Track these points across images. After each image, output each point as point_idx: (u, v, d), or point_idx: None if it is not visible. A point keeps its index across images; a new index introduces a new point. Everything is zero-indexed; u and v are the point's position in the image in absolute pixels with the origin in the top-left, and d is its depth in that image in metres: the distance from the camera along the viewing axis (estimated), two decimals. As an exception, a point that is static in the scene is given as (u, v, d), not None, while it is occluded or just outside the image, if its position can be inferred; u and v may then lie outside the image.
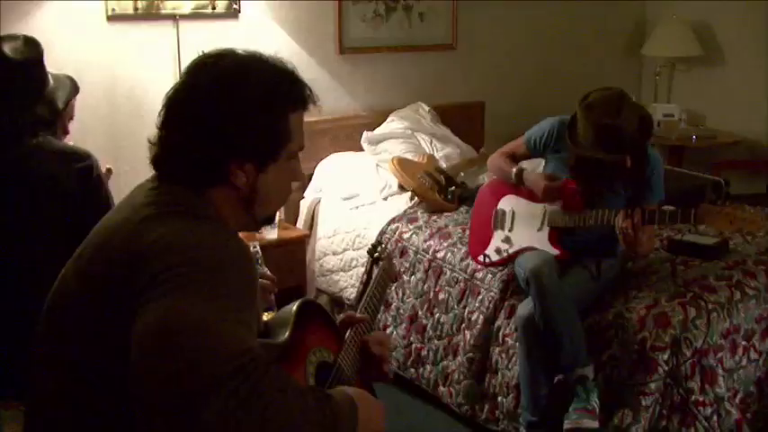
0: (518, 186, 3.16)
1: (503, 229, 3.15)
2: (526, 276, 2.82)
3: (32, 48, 2.23)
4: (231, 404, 1.04)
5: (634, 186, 2.92)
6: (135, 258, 1.21)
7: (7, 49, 2.16)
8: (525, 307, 2.85)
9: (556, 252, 2.93)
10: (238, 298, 1.19)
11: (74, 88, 2.38)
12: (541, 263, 2.81)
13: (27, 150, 2.14)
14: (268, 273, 1.99)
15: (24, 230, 2.13)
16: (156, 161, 1.38)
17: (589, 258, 2.96)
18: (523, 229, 3.08)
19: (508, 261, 3.10)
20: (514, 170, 3.13)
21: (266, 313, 2.05)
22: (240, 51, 1.38)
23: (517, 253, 3.04)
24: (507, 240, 3.12)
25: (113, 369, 1.17)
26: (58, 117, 2.29)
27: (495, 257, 3.14)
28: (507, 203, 3.18)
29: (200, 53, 1.39)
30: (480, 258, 3.19)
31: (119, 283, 1.21)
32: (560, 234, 2.99)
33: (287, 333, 1.45)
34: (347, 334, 1.69)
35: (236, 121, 1.31)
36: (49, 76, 2.29)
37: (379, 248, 2.09)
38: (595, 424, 2.67)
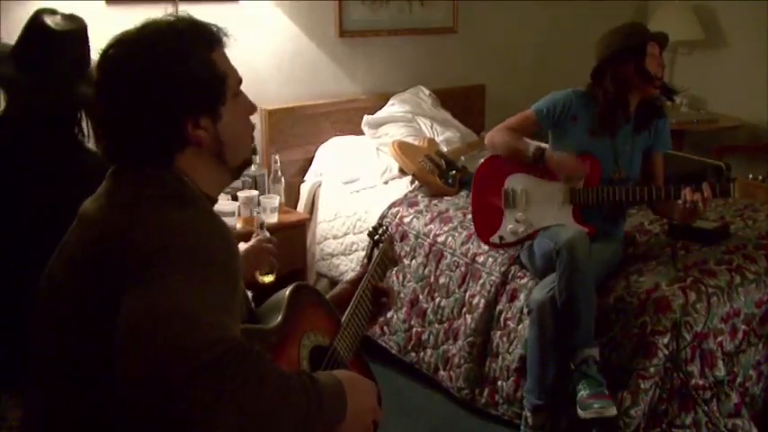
0: (526, 164, 3.09)
1: (516, 208, 3.09)
2: (558, 248, 2.77)
3: (75, 21, 2.07)
4: (210, 394, 1.04)
5: (650, 113, 3.08)
6: (113, 247, 1.21)
7: (49, 21, 2.01)
8: (541, 290, 2.84)
9: (585, 229, 2.92)
10: (218, 283, 1.19)
11: None
12: (578, 235, 2.80)
13: (69, 145, 1.97)
14: (269, 235, 2.03)
15: (42, 236, 1.93)
16: (111, 152, 1.36)
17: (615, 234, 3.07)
18: (541, 209, 3.05)
19: (525, 241, 3.07)
20: (532, 149, 3.05)
21: (268, 276, 2.06)
22: (131, 28, 1.35)
23: (536, 232, 3.02)
24: (524, 221, 3.06)
25: (105, 356, 1.15)
26: None
27: (510, 238, 3.09)
28: (516, 182, 3.11)
29: (99, 51, 1.37)
30: (495, 240, 3.13)
31: (100, 272, 1.21)
32: (583, 212, 3.00)
33: (279, 318, 1.44)
34: (344, 317, 1.69)
35: (166, 85, 1.29)
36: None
37: (380, 231, 2.06)
38: (615, 411, 2.64)
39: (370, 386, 1.40)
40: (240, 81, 1.42)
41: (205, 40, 1.36)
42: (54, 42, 2.00)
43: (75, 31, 2.04)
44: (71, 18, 2.06)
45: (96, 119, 1.36)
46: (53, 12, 2.06)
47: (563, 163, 3.00)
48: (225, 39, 1.39)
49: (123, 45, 1.34)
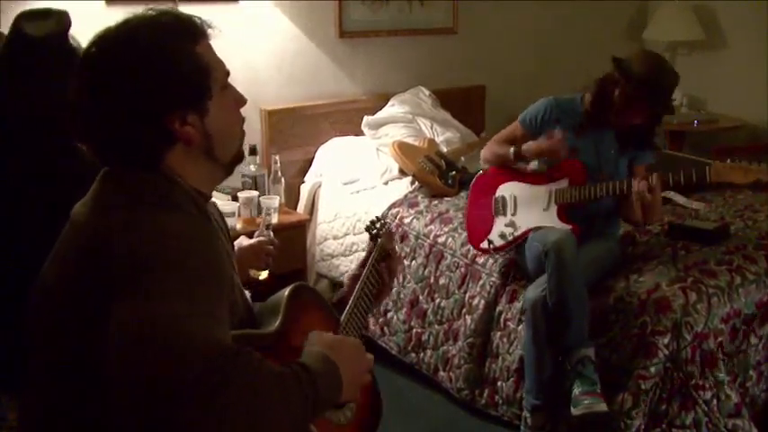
0: (516, 171, 3.19)
1: (504, 214, 3.15)
2: (546, 249, 2.79)
3: (53, 18, 2.02)
4: (208, 396, 1.05)
5: (644, 132, 3.08)
6: (104, 250, 1.20)
7: (27, 27, 1.97)
8: (534, 290, 2.84)
9: (569, 227, 2.94)
10: (211, 286, 1.19)
11: None
12: (564, 236, 2.81)
13: (65, 144, 1.85)
14: (272, 236, 2.01)
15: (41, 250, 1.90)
16: (99, 154, 1.34)
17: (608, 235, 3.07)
18: (528, 212, 3.08)
19: (513, 244, 3.09)
20: (511, 149, 3.14)
21: (262, 272, 2.03)
22: (112, 25, 1.32)
23: (523, 235, 3.04)
24: (511, 225, 3.10)
25: (99, 358, 1.15)
26: None
27: (499, 242, 3.12)
28: (506, 190, 3.18)
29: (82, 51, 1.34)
30: (484, 245, 3.16)
31: (92, 274, 1.20)
32: (568, 212, 3.01)
33: (277, 321, 1.43)
34: (342, 317, 1.68)
35: (149, 81, 1.27)
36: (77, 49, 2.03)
37: (377, 225, 2.00)
38: (605, 407, 2.66)
39: (355, 346, 1.39)
40: (228, 73, 1.39)
41: (189, 33, 1.33)
42: (34, 48, 1.95)
43: (55, 32, 1.99)
44: (50, 15, 2.02)
45: (84, 119, 1.32)
46: (33, 14, 2.02)
47: (539, 146, 3.07)
48: (210, 31, 1.36)
49: (104, 42, 1.31)
